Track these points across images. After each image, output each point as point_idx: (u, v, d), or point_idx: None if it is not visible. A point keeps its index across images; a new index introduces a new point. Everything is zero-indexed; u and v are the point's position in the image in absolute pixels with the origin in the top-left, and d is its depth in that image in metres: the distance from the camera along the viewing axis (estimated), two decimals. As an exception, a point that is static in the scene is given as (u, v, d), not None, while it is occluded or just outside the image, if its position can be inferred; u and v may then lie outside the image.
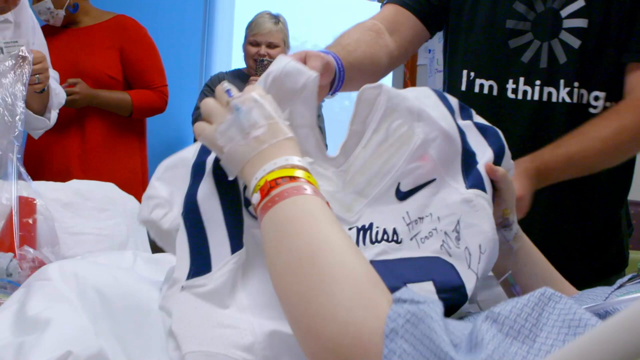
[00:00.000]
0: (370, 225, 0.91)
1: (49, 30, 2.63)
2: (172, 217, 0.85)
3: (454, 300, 0.86)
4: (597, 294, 0.79)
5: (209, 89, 3.00)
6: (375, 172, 0.95)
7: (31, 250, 1.25)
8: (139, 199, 1.90)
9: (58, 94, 2.17)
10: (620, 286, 0.80)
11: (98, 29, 2.80)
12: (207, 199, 0.82)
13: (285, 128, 0.77)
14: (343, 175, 0.94)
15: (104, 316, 0.90)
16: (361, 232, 0.90)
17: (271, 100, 0.80)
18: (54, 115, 2.16)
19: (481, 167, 0.98)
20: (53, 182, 1.68)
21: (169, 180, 0.89)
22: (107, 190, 1.74)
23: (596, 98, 1.41)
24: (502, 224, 0.99)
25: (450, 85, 1.57)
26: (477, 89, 1.49)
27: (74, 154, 2.75)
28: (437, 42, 4.03)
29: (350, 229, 0.89)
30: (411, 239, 0.92)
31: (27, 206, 1.39)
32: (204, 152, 0.87)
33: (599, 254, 1.52)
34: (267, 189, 0.72)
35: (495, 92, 1.47)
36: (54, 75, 2.16)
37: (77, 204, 1.63)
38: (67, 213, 1.58)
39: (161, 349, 0.86)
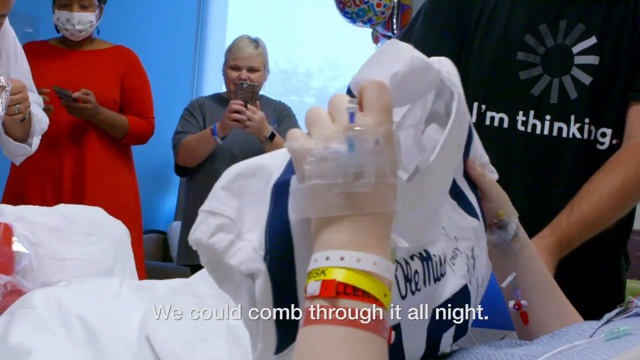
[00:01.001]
0: (428, 254, 0.75)
1: (54, 50, 2.91)
2: (242, 251, 0.65)
3: (459, 335, 0.83)
4: (584, 329, 0.78)
5: (189, 114, 3.03)
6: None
7: (4, 276, 1.24)
8: (130, 221, 1.92)
9: (40, 120, 2.20)
10: (608, 321, 0.79)
11: (102, 54, 2.97)
12: (303, 237, 0.63)
13: (392, 197, 0.60)
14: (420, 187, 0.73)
15: (87, 346, 0.89)
16: (425, 265, 0.74)
17: (398, 144, 0.63)
18: (35, 141, 2.19)
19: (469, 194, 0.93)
20: (40, 206, 1.67)
21: (238, 191, 0.70)
22: (94, 215, 1.72)
23: (603, 134, 1.43)
24: (497, 225, 0.96)
25: None
26: (487, 122, 1.49)
27: (68, 173, 2.84)
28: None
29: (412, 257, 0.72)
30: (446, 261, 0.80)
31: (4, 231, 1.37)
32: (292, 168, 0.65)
33: (597, 293, 1.52)
34: (334, 290, 0.56)
35: (505, 125, 1.48)
36: (36, 100, 2.19)
37: (64, 229, 1.62)
38: (54, 238, 1.57)
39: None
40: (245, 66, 2.93)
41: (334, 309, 0.55)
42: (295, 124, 3.06)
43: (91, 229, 1.66)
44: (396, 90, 0.66)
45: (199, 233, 0.66)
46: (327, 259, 0.57)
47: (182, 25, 5.04)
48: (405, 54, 0.69)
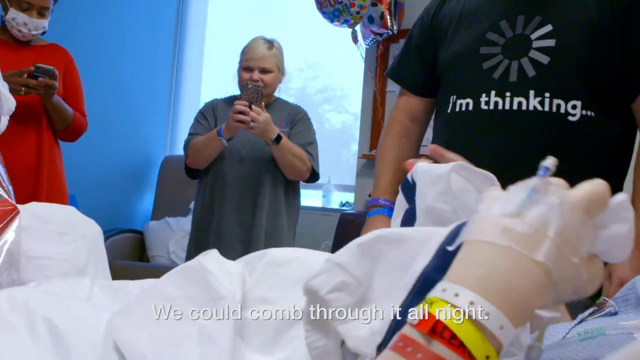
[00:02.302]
0: None
1: (5, 45, 2.94)
2: (358, 330, 0.59)
3: None
4: (558, 330, 0.78)
5: (202, 116, 2.97)
6: None
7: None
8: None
9: (8, 100, 2.18)
10: (581, 321, 0.79)
11: (44, 51, 3.01)
12: None
13: (569, 271, 0.55)
14: None
15: (53, 348, 0.87)
16: None
17: (587, 228, 0.57)
18: (4, 121, 2.17)
19: None
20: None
21: (375, 255, 0.64)
22: (67, 214, 1.70)
23: (574, 107, 1.51)
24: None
25: (438, 111, 1.76)
26: (457, 109, 1.63)
27: (25, 162, 2.87)
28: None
29: None
30: None
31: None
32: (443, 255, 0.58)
33: None
34: (428, 327, 0.52)
35: (471, 107, 1.60)
36: (3, 84, 2.18)
37: (37, 228, 1.59)
38: (25, 236, 1.54)
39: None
40: (257, 67, 2.85)
41: (421, 351, 0.51)
42: (309, 127, 2.97)
43: (65, 228, 1.64)
44: None
45: (319, 282, 0.63)
46: (444, 290, 0.54)
47: (162, 25, 5.01)
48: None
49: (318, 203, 4.55)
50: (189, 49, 5.09)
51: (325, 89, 5.07)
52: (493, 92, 1.56)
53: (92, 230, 1.70)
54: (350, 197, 4.41)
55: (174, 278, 0.97)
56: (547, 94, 1.52)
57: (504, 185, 1.48)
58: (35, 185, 2.85)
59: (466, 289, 0.53)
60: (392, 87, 4.12)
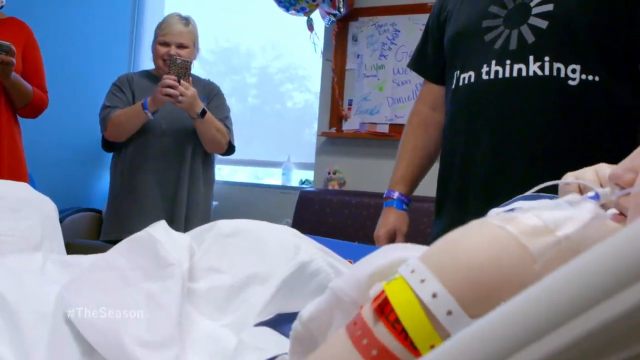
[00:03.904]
0: None
1: None
2: None
3: None
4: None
5: (118, 89, 3.01)
6: None
7: None
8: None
9: None
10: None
11: (5, 24, 2.92)
12: None
13: None
14: None
15: (3, 320, 0.88)
16: None
17: None
18: None
19: None
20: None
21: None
22: (21, 191, 1.69)
23: (573, 71, 1.50)
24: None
25: (446, 90, 1.74)
26: (460, 83, 1.62)
27: None
28: (365, 48, 4.08)
29: None
30: None
31: None
32: None
33: None
34: (377, 305, 0.50)
35: (473, 80, 1.59)
36: None
37: (-11, 204, 1.58)
38: (-23, 213, 1.53)
39: (67, 354, 0.85)
40: (174, 42, 2.92)
41: (366, 335, 0.49)
42: (224, 102, 3.08)
43: (18, 205, 1.63)
44: None
45: (314, 308, 0.60)
46: (407, 265, 0.51)
47: (120, 2, 4.95)
48: None
49: (278, 181, 4.57)
50: (147, 26, 5.03)
51: (287, 68, 5.06)
52: (494, 62, 1.55)
53: (46, 207, 1.70)
54: (310, 174, 4.44)
55: (123, 249, 0.99)
56: (546, 58, 1.51)
57: (506, 148, 1.50)
58: None
59: (424, 265, 0.50)
60: (351, 65, 4.15)
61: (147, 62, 5.04)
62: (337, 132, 4.12)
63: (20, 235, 1.57)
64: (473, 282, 0.48)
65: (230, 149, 3.02)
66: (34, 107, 2.97)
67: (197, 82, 3.01)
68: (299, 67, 5.00)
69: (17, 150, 2.93)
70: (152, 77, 2.98)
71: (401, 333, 0.47)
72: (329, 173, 4.08)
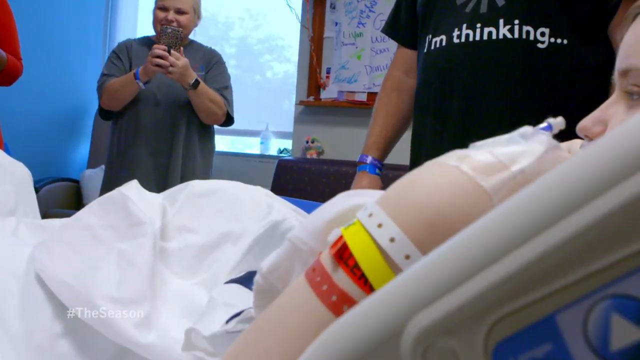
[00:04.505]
0: None
1: None
2: None
3: None
4: None
5: (116, 56, 2.94)
6: None
7: None
8: None
9: None
10: None
11: None
12: None
13: None
14: None
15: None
16: None
17: None
18: None
19: None
20: None
21: None
22: (-7, 156, 1.67)
23: (542, 34, 1.51)
24: None
25: (418, 55, 1.75)
26: (432, 47, 1.62)
27: None
28: (344, 16, 4.05)
29: None
30: None
31: None
32: None
33: None
34: (336, 251, 0.51)
35: (444, 43, 1.59)
36: None
37: (-39, 171, 1.56)
38: (-51, 179, 1.51)
39: (39, 313, 0.85)
40: (173, 7, 2.83)
41: (325, 281, 0.49)
42: (224, 71, 2.99)
43: (-9, 171, 1.62)
44: None
45: (273, 259, 0.61)
46: (365, 210, 0.51)
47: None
48: None
49: (256, 150, 4.56)
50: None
51: (267, 38, 5.02)
52: (464, 26, 1.55)
53: (19, 172, 1.68)
54: (288, 144, 4.44)
55: (95, 208, 0.99)
56: (516, 21, 1.51)
57: (477, 111, 1.52)
58: None
59: (381, 209, 0.50)
60: (329, 33, 4.12)
61: (122, 33, 4.98)
62: (315, 100, 4.11)
63: (-7, 201, 1.56)
64: (430, 224, 0.48)
65: (228, 120, 2.95)
66: (8, 74, 2.88)
67: (197, 49, 2.96)
68: (277, 37, 4.96)
69: None
70: (152, 43, 2.86)
71: (360, 278, 0.48)
72: (307, 142, 4.08)
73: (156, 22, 2.86)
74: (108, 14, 4.97)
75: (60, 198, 4.23)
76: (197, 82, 2.71)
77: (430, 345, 0.37)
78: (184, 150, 2.85)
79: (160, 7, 2.85)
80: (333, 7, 4.10)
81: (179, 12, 2.84)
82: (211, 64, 2.95)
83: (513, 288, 0.36)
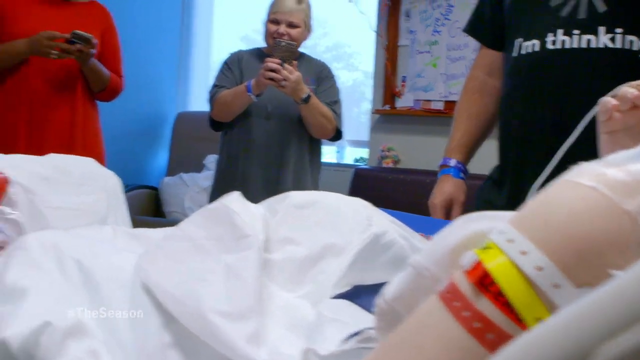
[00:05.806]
0: None
1: (46, 0, 2.87)
2: None
3: None
4: None
5: (227, 67, 2.93)
6: None
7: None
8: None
9: None
10: None
11: (83, 8, 2.96)
12: None
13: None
14: None
15: (82, 286, 0.89)
16: None
17: None
18: None
19: None
20: (30, 155, 1.66)
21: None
22: (86, 165, 1.72)
23: None
24: None
25: (506, 57, 1.66)
26: (523, 51, 1.54)
27: (58, 123, 2.86)
28: (419, 24, 4.02)
29: None
30: None
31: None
32: None
33: None
34: (477, 279, 0.48)
35: (537, 48, 1.51)
36: None
37: (56, 179, 1.61)
38: (46, 188, 1.56)
39: (149, 323, 0.85)
40: (285, 21, 2.80)
41: (466, 308, 0.47)
42: (334, 84, 2.95)
43: (83, 180, 1.66)
44: None
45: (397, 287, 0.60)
46: (501, 233, 0.49)
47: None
48: None
49: (332, 159, 4.56)
50: (198, 2, 5.05)
51: (335, 46, 5.03)
52: (560, 31, 1.47)
53: (111, 182, 1.72)
54: (363, 152, 4.42)
55: (198, 220, 0.99)
56: (618, 30, 1.43)
57: (570, 123, 1.43)
58: (70, 146, 2.82)
59: (522, 235, 0.48)
60: (404, 41, 4.10)
61: (198, 41, 5.07)
62: (390, 109, 4.08)
63: (86, 209, 1.59)
64: (579, 251, 0.45)
65: (337, 135, 2.92)
66: (110, 92, 3.04)
67: (308, 62, 2.94)
68: (346, 45, 4.96)
69: (94, 132, 3.01)
70: (263, 55, 2.86)
71: (504, 305, 0.46)
72: (383, 151, 4.05)
73: (268, 35, 2.84)
74: (182, 25, 5.07)
75: (141, 205, 4.33)
76: (309, 97, 2.67)
77: None
78: (295, 164, 2.82)
79: (272, 21, 2.82)
80: (408, 15, 4.07)
81: (291, 25, 2.81)
82: (322, 77, 2.91)
83: None
